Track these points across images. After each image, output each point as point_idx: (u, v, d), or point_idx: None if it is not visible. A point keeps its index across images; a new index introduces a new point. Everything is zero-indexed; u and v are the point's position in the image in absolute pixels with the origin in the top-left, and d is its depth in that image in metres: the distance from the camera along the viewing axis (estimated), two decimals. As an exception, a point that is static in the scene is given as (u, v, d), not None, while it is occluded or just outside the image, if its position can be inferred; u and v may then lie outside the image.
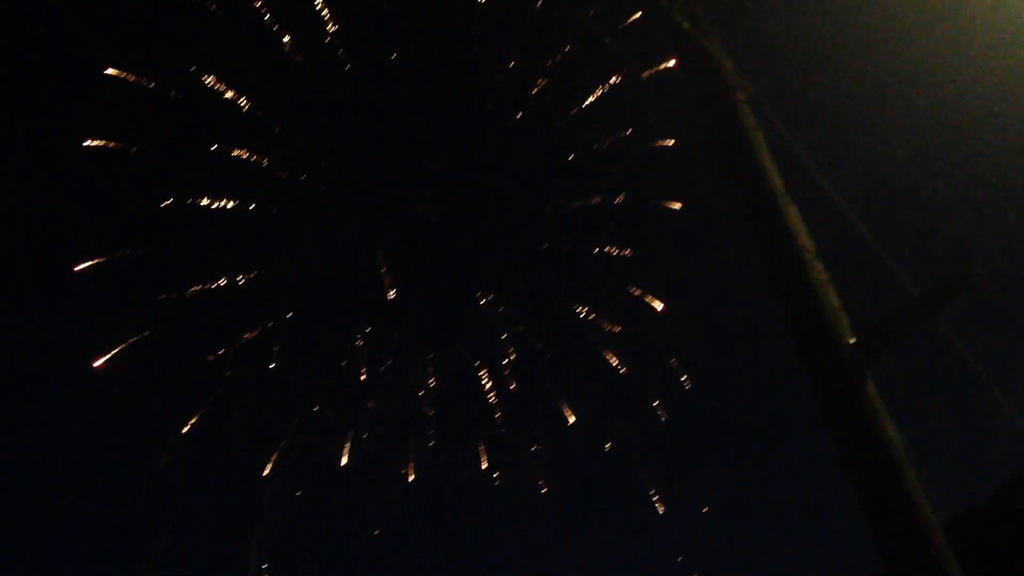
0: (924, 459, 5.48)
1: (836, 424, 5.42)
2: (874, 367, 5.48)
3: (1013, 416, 8.59)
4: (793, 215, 5.97)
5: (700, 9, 6.65)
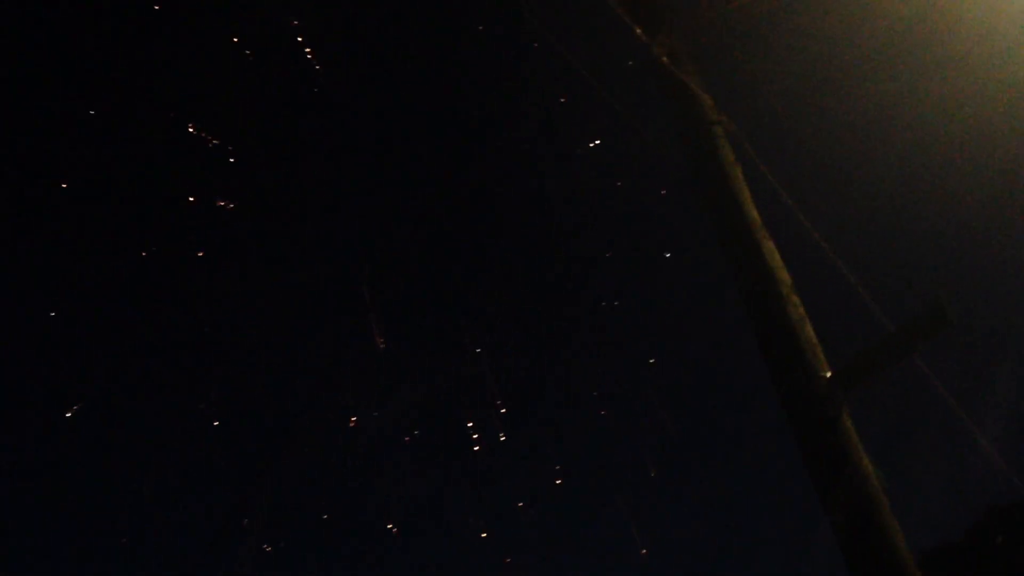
0: (899, 493, 5.50)
1: (812, 457, 5.44)
2: (850, 401, 5.52)
3: (988, 452, 8.64)
4: (770, 249, 6.01)
5: (679, 44, 6.72)
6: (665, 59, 6.57)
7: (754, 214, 6.14)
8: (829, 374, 5.57)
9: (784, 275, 5.95)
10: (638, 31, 6.59)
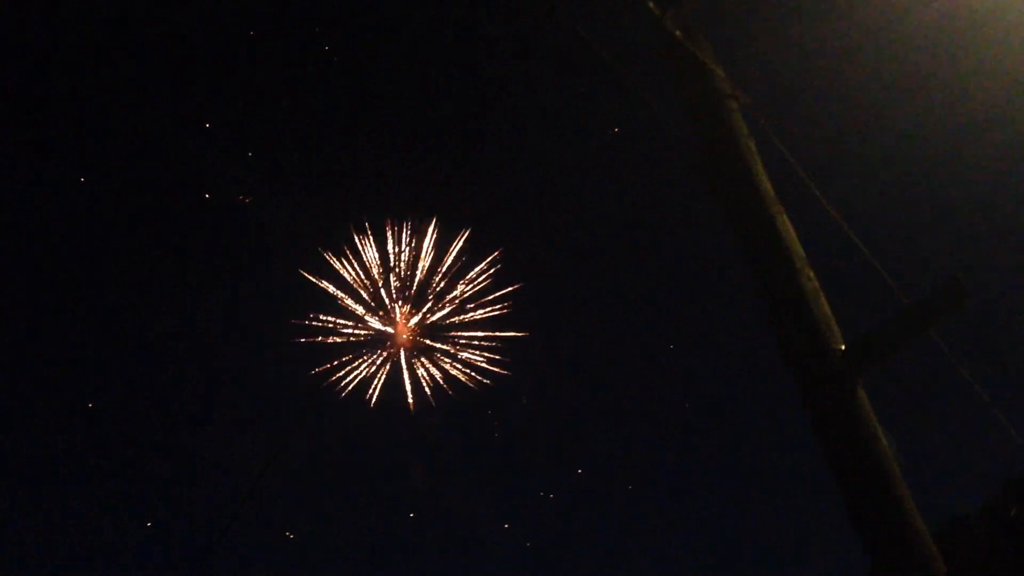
0: (914, 467, 5.49)
1: (825, 432, 5.43)
2: (865, 376, 5.50)
3: (1005, 425, 8.62)
4: (784, 222, 5.98)
5: (692, 18, 6.67)
6: (678, 33, 6.53)
7: (768, 187, 6.11)
8: (843, 348, 5.56)
9: (798, 248, 5.92)
10: (651, 5, 6.55)
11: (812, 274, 5.85)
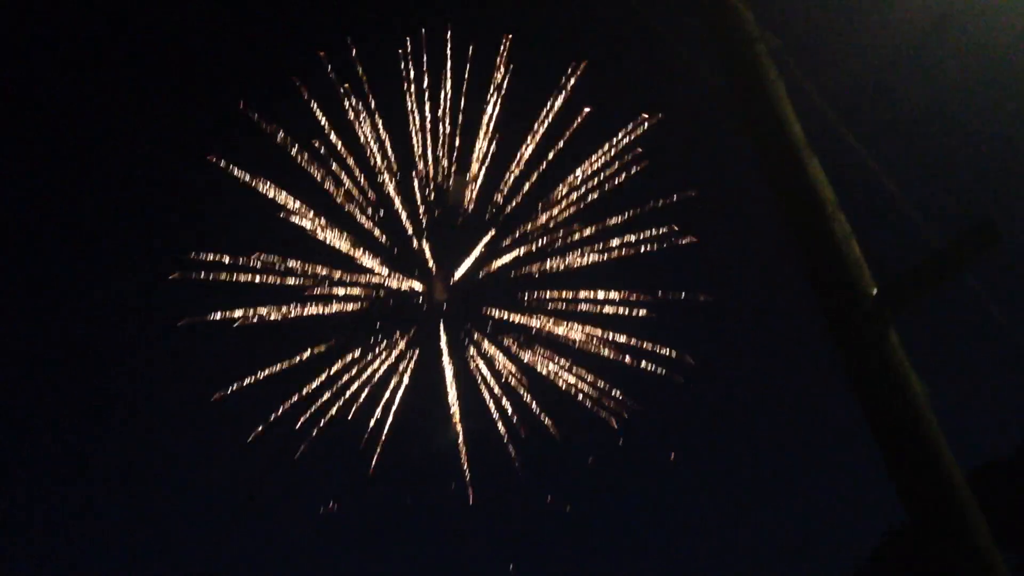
0: (947, 411, 5.47)
1: (858, 375, 5.40)
2: (897, 319, 5.46)
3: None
4: (815, 166, 5.92)
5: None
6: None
7: (798, 131, 6.04)
8: (875, 291, 5.52)
9: (829, 192, 5.86)
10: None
11: (844, 218, 5.80)
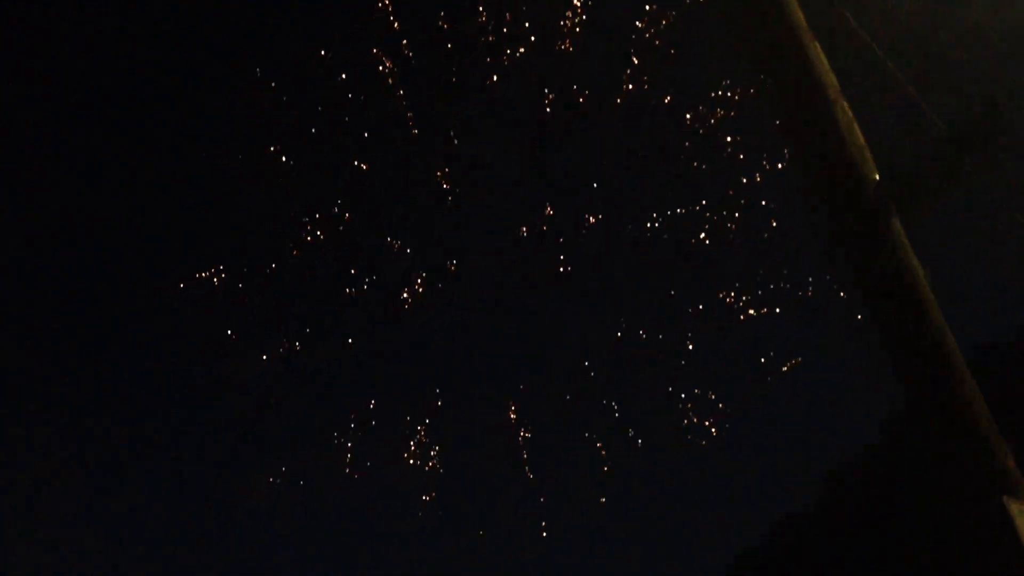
0: (950, 297, 5.48)
1: (859, 261, 5.40)
2: (900, 205, 5.44)
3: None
4: (816, 52, 5.82)
5: None
6: None
7: (799, 15, 5.92)
8: (878, 178, 5.49)
9: (832, 79, 5.78)
10: None
11: (847, 106, 5.73)
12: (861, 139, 5.63)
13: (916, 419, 5.12)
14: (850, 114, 5.70)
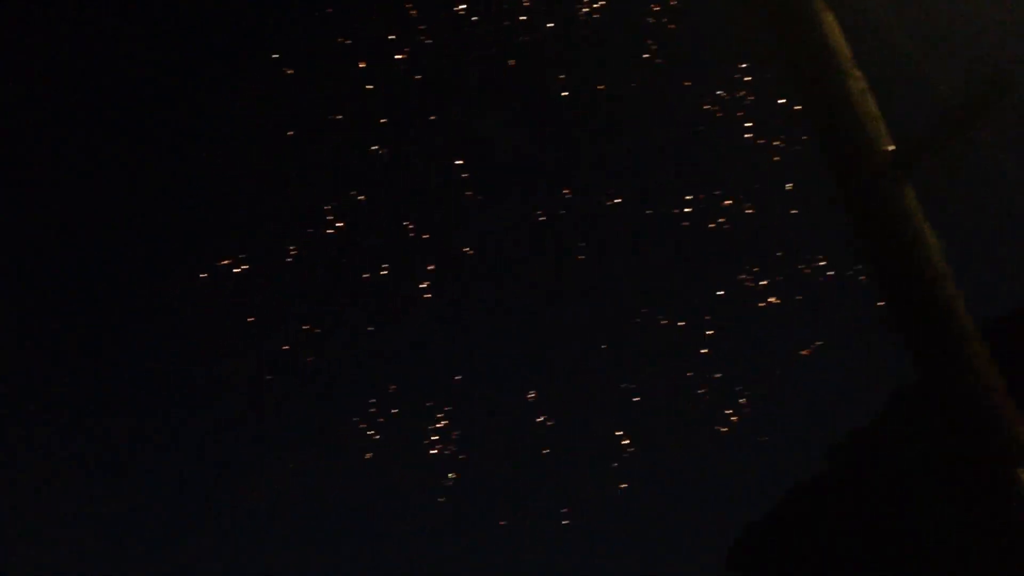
0: (962, 266, 5.46)
1: (871, 233, 5.37)
2: (912, 174, 5.42)
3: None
4: (830, 21, 5.78)
5: None
6: None
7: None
8: (891, 147, 5.46)
9: (844, 48, 5.74)
10: None
11: (860, 74, 5.70)
12: (875, 108, 5.61)
13: (928, 391, 5.12)
14: (863, 84, 5.67)
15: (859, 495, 27.64)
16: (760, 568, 29.69)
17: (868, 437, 27.68)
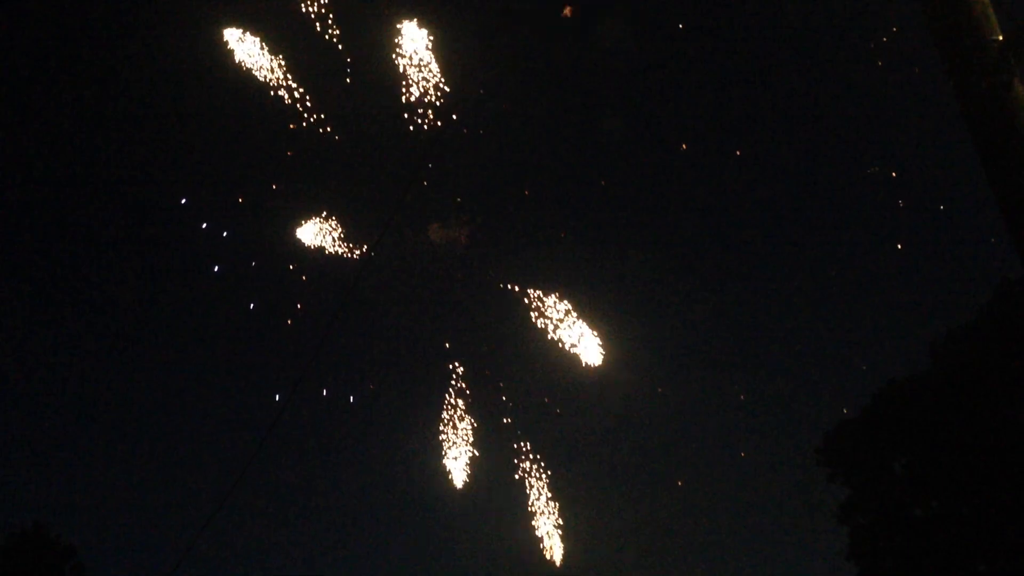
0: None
1: (980, 122, 5.39)
2: (1021, 66, 5.39)
3: None
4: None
5: None
6: None
7: None
8: (1001, 38, 5.44)
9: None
10: None
11: None
12: (983, 1, 5.56)
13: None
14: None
15: (959, 396, 27.21)
16: (849, 466, 29.61)
17: (970, 335, 27.12)
